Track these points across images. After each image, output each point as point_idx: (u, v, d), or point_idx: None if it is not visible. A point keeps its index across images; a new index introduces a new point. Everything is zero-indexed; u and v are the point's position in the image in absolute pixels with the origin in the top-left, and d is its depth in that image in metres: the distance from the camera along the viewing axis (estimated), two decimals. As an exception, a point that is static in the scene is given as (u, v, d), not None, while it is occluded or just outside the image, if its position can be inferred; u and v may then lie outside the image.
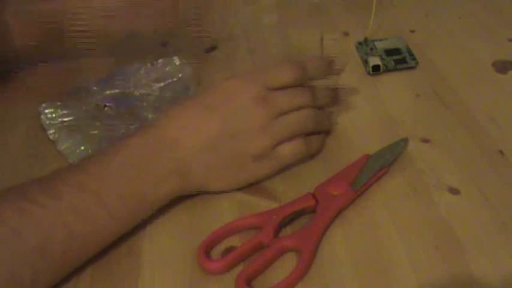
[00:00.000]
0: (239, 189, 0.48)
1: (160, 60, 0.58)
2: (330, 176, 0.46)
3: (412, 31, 0.67)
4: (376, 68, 0.59)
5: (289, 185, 0.47)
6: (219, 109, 0.45)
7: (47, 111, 0.53)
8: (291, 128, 0.46)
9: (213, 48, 0.71)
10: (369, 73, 0.60)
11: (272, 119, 0.45)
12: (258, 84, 0.46)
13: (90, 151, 0.49)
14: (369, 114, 0.54)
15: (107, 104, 0.54)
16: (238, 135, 0.44)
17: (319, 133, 0.50)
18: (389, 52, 0.62)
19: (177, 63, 0.58)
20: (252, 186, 0.48)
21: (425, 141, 0.50)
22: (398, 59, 0.61)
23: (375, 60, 0.60)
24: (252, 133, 0.45)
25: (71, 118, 0.52)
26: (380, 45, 0.64)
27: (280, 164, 0.47)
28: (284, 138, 0.46)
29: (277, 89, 0.46)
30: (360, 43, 0.65)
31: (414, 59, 0.61)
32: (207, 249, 0.42)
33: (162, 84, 0.56)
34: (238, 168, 0.45)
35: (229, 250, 0.42)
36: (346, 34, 0.68)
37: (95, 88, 0.55)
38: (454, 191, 0.44)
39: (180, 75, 0.57)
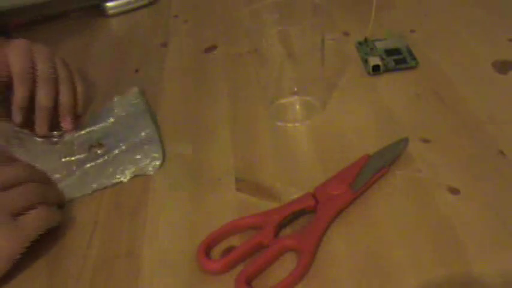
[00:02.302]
0: (239, 189, 0.48)
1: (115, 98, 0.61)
2: (330, 176, 0.46)
3: (412, 31, 0.67)
4: (376, 68, 0.59)
5: (289, 185, 0.47)
6: None
7: None
8: (20, 199, 0.43)
9: (213, 48, 0.71)
10: (369, 73, 0.60)
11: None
12: None
13: None
14: (369, 114, 0.54)
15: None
16: None
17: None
18: (389, 52, 0.62)
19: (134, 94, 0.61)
20: (252, 186, 0.48)
21: (425, 141, 0.50)
22: (398, 59, 0.61)
23: (375, 60, 0.60)
24: None
25: None
26: (380, 45, 0.64)
27: (32, 234, 0.43)
28: (16, 209, 0.42)
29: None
30: (360, 43, 0.65)
31: (414, 59, 0.61)
32: (207, 249, 0.42)
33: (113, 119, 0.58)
34: None
35: (229, 250, 0.42)
36: (346, 34, 0.69)
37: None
38: (454, 191, 0.44)
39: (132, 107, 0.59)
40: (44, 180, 0.48)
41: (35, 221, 0.43)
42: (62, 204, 0.49)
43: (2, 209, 0.42)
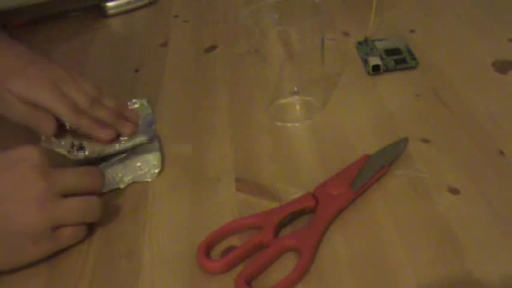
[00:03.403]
0: (239, 189, 0.48)
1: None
2: (330, 176, 0.46)
3: (412, 31, 0.67)
4: (376, 68, 0.59)
5: (289, 185, 0.47)
6: None
7: None
8: (74, 212, 0.43)
9: (213, 48, 0.71)
10: (368, 73, 0.60)
11: (53, 195, 0.42)
12: (41, 154, 0.43)
13: None
14: (369, 114, 0.54)
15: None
16: (11, 213, 0.41)
17: None
18: (389, 52, 0.62)
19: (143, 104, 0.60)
20: (252, 186, 0.48)
21: (425, 141, 0.50)
22: (398, 59, 0.61)
23: (375, 60, 0.60)
24: (28, 207, 0.41)
25: None
26: (380, 45, 0.64)
27: (59, 247, 0.44)
28: (65, 222, 0.43)
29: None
30: (360, 43, 0.65)
31: (414, 59, 0.61)
32: (207, 249, 0.42)
33: None
34: (10, 250, 0.42)
35: (229, 250, 0.42)
36: (346, 34, 0.69)
37: None
38: (454, 191, 0.44)
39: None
40: (94, 187, 0.47)
41: (68, 238, 0.44)
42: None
43: (49, 221, 0.42)
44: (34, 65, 0.55)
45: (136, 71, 0.69)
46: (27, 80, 0.53)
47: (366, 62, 0.61)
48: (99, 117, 0.55)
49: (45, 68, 0.56)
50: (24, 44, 0.58)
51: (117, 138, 0.54)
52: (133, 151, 0.54)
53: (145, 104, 0.60)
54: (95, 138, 0.54)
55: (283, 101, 0.57)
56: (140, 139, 0.54)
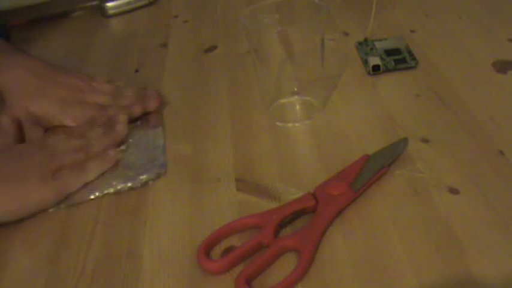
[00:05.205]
0: (239, 189, 0.48)
1: None
2: (330, 176, 0.46)
3: (412, 31, 0.67)
4: (376, 68, 0.59)
5: (289, 185, 0.47)
6: None
7: None
8: (64, 158, 0.51)
9: (213, 48, 0.71)
10: (369, 73, 0.60)
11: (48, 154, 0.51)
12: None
13: None
14: (369, 114, 0.54)
15: None
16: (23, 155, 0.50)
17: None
18: (389, 52, 0.62)
19: None
20: (252, 186, 0.48)
21: (425, 141, 0.50)
22: (398, 59, 0.61)
23: (375, 60, 0.60)
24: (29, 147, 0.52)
25: None
26: (380, 45, 0.64)
27: (65, 188, 0.50)
28: (61, 166, 0.50)
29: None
30: (360, 43, 0.65)
31: (414, 59, 0.61)
32: (207, 249, 0.42)
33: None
34: (22, 189, 0.48)
35: (229, 250, 0.42)
36: (346, 34, 0.69)
37: None
38: (454, 191, 0.44)
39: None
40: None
41: (69, 178, 0.50)
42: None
43: (47, 165, 0.50)
44: (50, 82, 0.59)
45: (136, 71, 0.69)
46: (49, 100, 0.58)
47: (366, 62, 0.61)
48: (124, 105, 0.60)
49: (61, 81, 0.59)
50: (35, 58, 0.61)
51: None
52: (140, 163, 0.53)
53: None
54: (127, 118, 0.57)
55: (283, 101, 0.56)
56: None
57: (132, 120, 0.58)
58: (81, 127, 0.57)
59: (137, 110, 0.58)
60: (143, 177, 0.51)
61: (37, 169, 0.49)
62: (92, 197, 0.50)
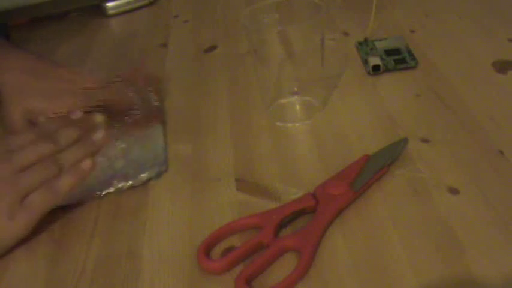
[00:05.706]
0: (239, 189, 0.48)
1: None
2: (330, 176, 0.46)
3: (412, 31, 0.67)
4: (376, 68, 0.59)
5: (289, 185, 0.47)
6: None
7: None
8: (33, 177, 0.46)
9: (213, 48, 0.71)
10: (369, 73, 0.60)
11: (13, 174, 0.46)
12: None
13: None
14: (369, 114, 0.54)
15: None
16: None
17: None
18: (389, 52, 0.62)
19: None
20: (252, 186, 0.48)
21: (425, 141, 0.50)
22: (398, 59, 0.61)
23: (375, 60, 0.60)
24: None
25: None
26: (380, 45, 0.64)
27: (35, 216, 0.46)
28: (29, 189, 0.46)
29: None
30: (360, 43, 0.65)
31: (414, 59, 0.61)
32: (207, 249, 0.42)
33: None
34: None
35: (229, 250, 0.42)
36: (346, 34, 0.69)
37: None
38: (454, 191, 0.44)
39: None
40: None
41: (39, 204, 0.46)
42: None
43: (14, 194, 0.45)
44: (44, 79, 0.56)
45: (137, 71, 0.69)
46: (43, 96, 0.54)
47: (366, 62, 0.61)
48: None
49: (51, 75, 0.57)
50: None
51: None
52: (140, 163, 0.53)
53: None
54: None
55: (283, 101, 0.57)
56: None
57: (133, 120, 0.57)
58: (53, 122, 0.52)
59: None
60: (144, 175, 0.51)
61: (3, 204, 0.45)
62: (92, 196, 0.50)
